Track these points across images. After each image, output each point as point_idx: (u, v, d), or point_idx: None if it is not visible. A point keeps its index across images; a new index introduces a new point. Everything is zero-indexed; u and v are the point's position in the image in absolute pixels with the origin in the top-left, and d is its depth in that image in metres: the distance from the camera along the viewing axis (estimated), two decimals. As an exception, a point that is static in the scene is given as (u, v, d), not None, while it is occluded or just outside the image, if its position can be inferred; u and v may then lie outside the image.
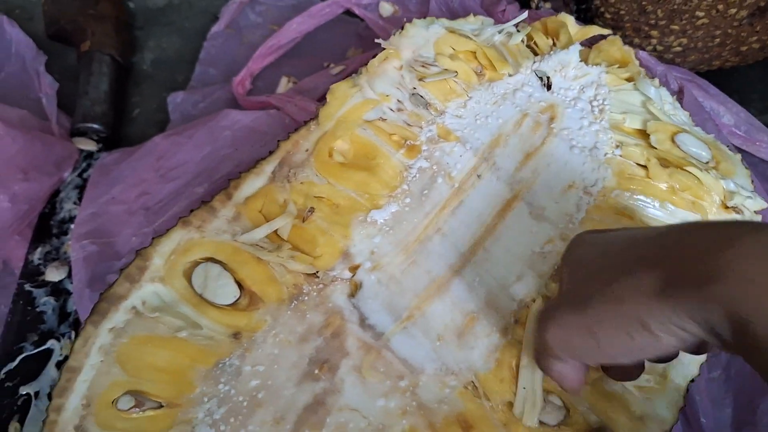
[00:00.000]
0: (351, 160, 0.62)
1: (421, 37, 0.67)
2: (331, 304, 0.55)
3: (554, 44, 0.71)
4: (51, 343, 0.67)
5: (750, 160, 0.79)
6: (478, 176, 0.61)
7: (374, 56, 0.66)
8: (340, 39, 0.90)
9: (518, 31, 0.70)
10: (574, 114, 0.65)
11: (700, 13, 0.80)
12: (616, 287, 0.40)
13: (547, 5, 0.92)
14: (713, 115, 0.78)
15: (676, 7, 0.80)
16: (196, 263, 0.55)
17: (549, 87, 0.66)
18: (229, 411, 0.50)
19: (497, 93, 0.66)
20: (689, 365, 0.56)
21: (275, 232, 0.57)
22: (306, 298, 0.55)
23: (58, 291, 0.71)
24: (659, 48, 0.87)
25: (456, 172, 0.61)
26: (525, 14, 0.70)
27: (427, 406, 0.51)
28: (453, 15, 0.86)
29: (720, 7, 0.79)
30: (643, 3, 0.82)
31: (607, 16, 0.86)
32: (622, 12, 0.85)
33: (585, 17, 0.91)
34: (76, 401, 0.50)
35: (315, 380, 0.52)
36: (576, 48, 0.67)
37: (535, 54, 0.70)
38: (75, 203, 0.78)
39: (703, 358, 0.56)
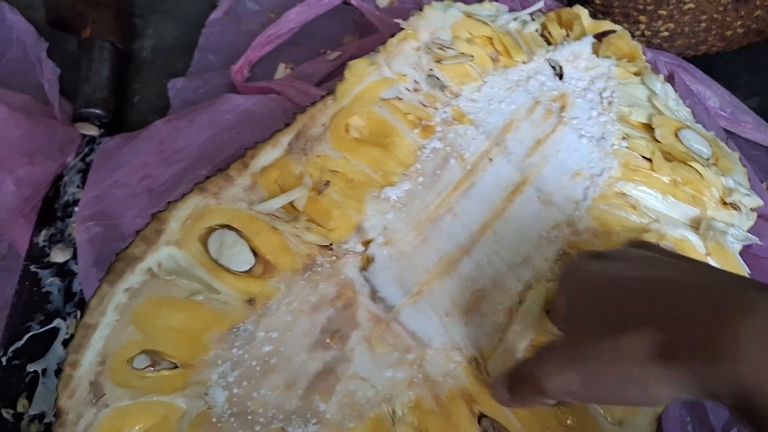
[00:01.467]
0: (366, 137, 0.63)
1: (438, 20, 0.68)
2: (343, 276, 0.57)
3: (567, 35, 0.72)
4: (57, 322, 0.67)
5: (736, 141, 0.83)
6: (490, 159, 0.63)
7: (370, 42, 0.66)
8: (337, 26, 0.91)
9: (533, 20, 0.71)
10: (583, 104, 0.67)
11: (687, -2, 0.81)
12: (614, 341, 0.38)
13: (544, -9, 0.92)
14: (701, 98, 0.82)
15: (663, -8, 0.81)
16: (212, 229, 0.56)
17: (561, 76, 0.68)
18: (242, 374, 0.51)
19: (511, 79, 0.67)
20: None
21: (291, 203, 0.58)
22: (319, 269, 0.56)
23: (63, 272, 0.71)
24: (647, 33, 0.88)
25: (468, 154, 0.63)
26: (541, 3, 0.72)
27: (433, 379, 0.53)
28: (452, 3, 0.87)
29: (706, -9, 0.80)
30: (632, -12, 0.83)
31: (597, 1, 0.87)
32: (612, -3, 0.86)
33: (576, 3, 0.91)
34: (91, 358, 0.50)
35: (326, 349, 0.53)
36: (589, 40, 0.69)
37: (549, 43, 0.71)
38: (78, 187, 0.77)
39: None
